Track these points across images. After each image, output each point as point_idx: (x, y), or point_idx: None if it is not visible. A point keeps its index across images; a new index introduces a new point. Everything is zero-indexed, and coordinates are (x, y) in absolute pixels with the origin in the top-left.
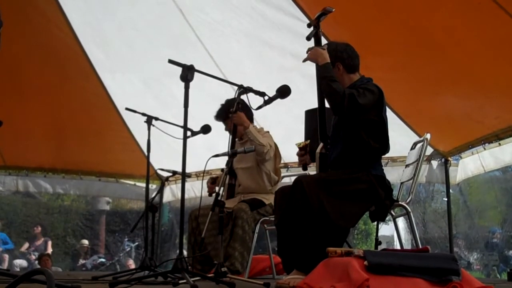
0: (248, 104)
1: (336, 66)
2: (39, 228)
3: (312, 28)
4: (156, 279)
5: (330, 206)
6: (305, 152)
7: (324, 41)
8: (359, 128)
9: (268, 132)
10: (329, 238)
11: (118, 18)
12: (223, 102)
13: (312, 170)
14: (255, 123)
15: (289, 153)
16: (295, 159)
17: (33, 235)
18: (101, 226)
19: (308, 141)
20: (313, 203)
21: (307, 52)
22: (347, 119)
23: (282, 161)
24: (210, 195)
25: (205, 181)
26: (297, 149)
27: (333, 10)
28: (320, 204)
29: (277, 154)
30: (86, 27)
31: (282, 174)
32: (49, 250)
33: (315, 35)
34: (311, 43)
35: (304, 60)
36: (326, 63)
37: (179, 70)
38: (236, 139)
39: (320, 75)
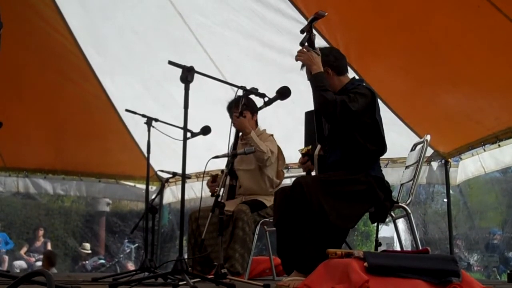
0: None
1: (325, 70)
2: (42, 231)
3: (306, 33)
4: (156, 281)
5: (329, 207)
6: (308, 159)
7: (322, 43)
8: (354, 132)
9: (272, 135)
10: (328, 239)
11: (117, 22)
12: (223, 103)
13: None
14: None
15: (290, 154)
16: (296, 160)
17: (35, 237)
18: (101, 227)
19: (310, 146)
20: (312, 204)
21: (300, 47)
22: (341, 126)
23: None
24: (212, 195)
25: (205, 182)
26: (299, 155)
27: (326, 14)
28: (319, 205)
29: (280, 157)
30: (85, 30)
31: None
32: None
33: (309, 40)
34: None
35: (297, 60)
36: (319, 73)
37: (178, 72)
38: (239, 138)
39: (312, 85)
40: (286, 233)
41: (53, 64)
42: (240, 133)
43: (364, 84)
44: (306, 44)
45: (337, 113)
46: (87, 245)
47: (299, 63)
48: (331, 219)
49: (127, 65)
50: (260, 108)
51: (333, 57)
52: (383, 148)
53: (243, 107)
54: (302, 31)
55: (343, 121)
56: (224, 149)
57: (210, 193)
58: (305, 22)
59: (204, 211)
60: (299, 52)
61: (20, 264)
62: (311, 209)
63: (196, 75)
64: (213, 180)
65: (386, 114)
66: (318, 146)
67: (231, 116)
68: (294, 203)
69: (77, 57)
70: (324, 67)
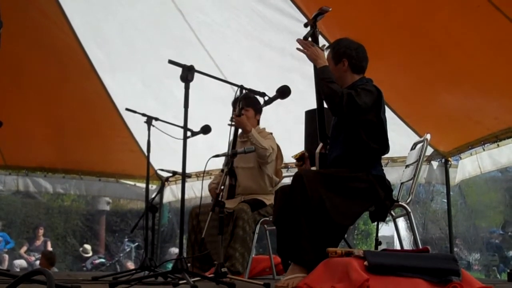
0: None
1: (342, 61)
2: (42, 230)
3: (309, 28)
4: (156, 279)
5: (329, 202)
6: (303, 162)
7: (321, 41)
8: (359, 129)
9: (271, 133)
10: (327, 235)
11: (118, 19)
12: (223, 102)
13: None
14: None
15: (289, 154)
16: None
17: (35, 236)
18: (101, 226)
19: (303, 150)
20: (312, 198)
21: (300, 40)
22: (346, 120)
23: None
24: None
25: (205, 181)
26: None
27: (330, 9)
28: (319, 200)
29: (278, 156)
30: (87, 27)
31: (283, 175)
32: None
33: (312, 35)
34: None
35: (300, 50)
36: (325, 66)
37: (179, 70)
38: (238, 136)
39: (318, 77)
40: (285, 227)
41: (54, 62)
42: (239, 131)
43: (372, 83)
44: (310, 39)
45: (343, 105)
46: (88, 248)
47: (299, 63)
48: (331, 215)
49: (128, 62)
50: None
51: (355, 53)
52: (386, 148)
53: (240, 110)
54: (306, 25)
55: (349, 114)
56: (224, 148)
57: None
58: (305, 21)
59: (205, 207)
60: (303, 44)
61: (20, 263)
62: (311, 203)
63: (196, 74)
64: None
65: (386, 113)
66: (320, 145)
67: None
68: (294, 196)
69: (78, 54)
70: (343, 58)
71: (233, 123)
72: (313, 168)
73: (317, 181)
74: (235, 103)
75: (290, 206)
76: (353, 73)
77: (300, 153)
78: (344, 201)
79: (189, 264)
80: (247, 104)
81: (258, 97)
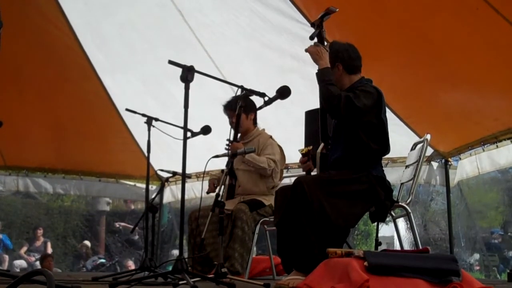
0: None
1: (336, 66)
2: (42, 230)
3: (315, 28)
4: (156, 280)
5: (330, 207)
6: (308, 158)
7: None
8: (359, 130)
9: (271, 136)
10: (329, 239)
11: (118, 19)
12: (223, 103)
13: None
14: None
15: (289, 155)
16: (296, 160)
17: (35, 236)
18: (101, 226)
19: (311, 147)
20: (313, 204)
21: (310, 40)
22: (345, 122)
23: None
24: (208, 193)
25: (205, 182)
26: (299, 155)
27: (337, 10)
28: (320, 205)
29: (281, 157)
30: (86, 28)
31: (283, 175)
32: (49, 250)
33: (318, 35)
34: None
35: (306, 50)
36: (326, 68)
37: (179, 71)
38: (238, 137)
39: (319, 78)
40: (287, 232)
41: (54, 63)
42: (239, 134)
43: (372, 84)
44: (316, 39)
45: (341, 107)
46: (87, 242)
47: (299, 64)
48: (332, 219)
49: (127, 63)
50: (260, 107)
51: (347, 55)
52: (386, 148)
53: (240, 109)
54: (312, 25)
55: (347, 117)
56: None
57: (207, 192)
58: (305, 22)
59: (204, 210)
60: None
61: (20, 263)
62: (312, 208)
63: (196, 74)
64: (213, 183)
65: (386, 114)
66: (321, 145)
67: (228, 116)
68: (295, 203)
69: (78, 55)
70: (336, 63)
71: (228, 147)
72: (314, 172)
73: (317, 187)
74: (226, 107)
75: (291, 212)
76: (349, 74)
77: (307, 149)
78: (345, 204)
79: (189, 268)
80: (235, 110)
81: (258, 97)
